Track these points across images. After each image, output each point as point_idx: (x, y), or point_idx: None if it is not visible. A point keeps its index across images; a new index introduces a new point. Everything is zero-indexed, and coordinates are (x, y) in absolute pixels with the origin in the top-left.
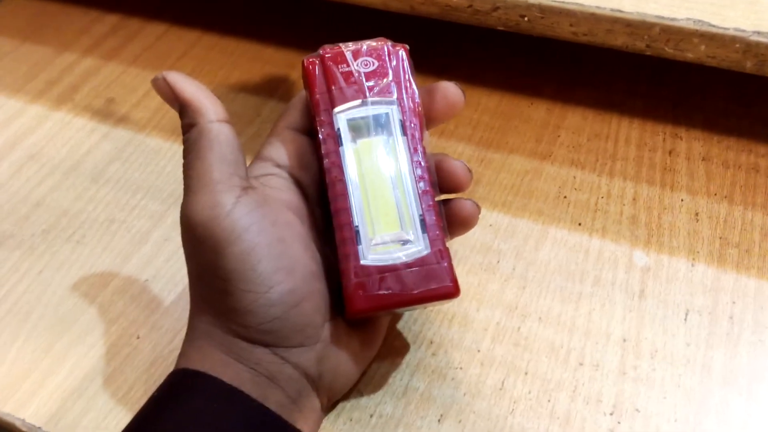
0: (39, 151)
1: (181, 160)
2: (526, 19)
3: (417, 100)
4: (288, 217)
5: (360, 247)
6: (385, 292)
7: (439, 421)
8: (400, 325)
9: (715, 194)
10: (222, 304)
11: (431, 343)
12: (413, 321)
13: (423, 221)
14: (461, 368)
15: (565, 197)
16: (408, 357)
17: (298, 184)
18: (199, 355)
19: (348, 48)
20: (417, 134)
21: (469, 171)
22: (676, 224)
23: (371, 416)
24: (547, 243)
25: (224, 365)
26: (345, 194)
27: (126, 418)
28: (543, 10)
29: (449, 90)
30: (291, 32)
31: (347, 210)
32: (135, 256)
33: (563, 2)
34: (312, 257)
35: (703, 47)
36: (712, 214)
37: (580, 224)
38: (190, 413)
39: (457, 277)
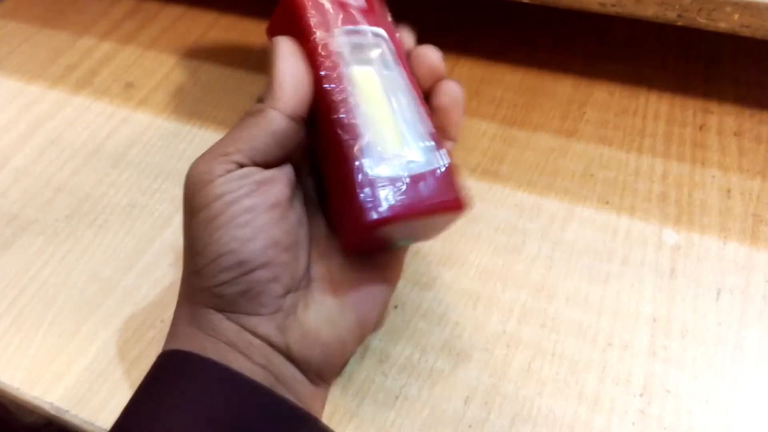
0: (60, 136)
1: (201, 144)
2: None
3: (398, 35)
4: (272, 187)
5: (368, 160)
6: (395, 203)
7: (465, 402)
8: (424, 306)
9: (748, 170)
10: (186, 266)
11: (456, 324)
12: (438, 302)
13: (425, 137)
14: (487, 350)
15: (592, 175)
16: (433, 339)
17: (293, 162)
18: (172, 333)
19: None
20: (407, 65)
21: (440, 54)
22: (708, 201)
23: (397, 398)
24: (573, 222)
25: (189, 338)
26: (352, 110)
27: None
28: None
29: (429, 54)
30: None
31: (355, 127)
32: (158, 240)
33: None
34: (286, 229)
35: (736, 16)
36: (744, 191)
37: (607, 203)
38: (167, 391)
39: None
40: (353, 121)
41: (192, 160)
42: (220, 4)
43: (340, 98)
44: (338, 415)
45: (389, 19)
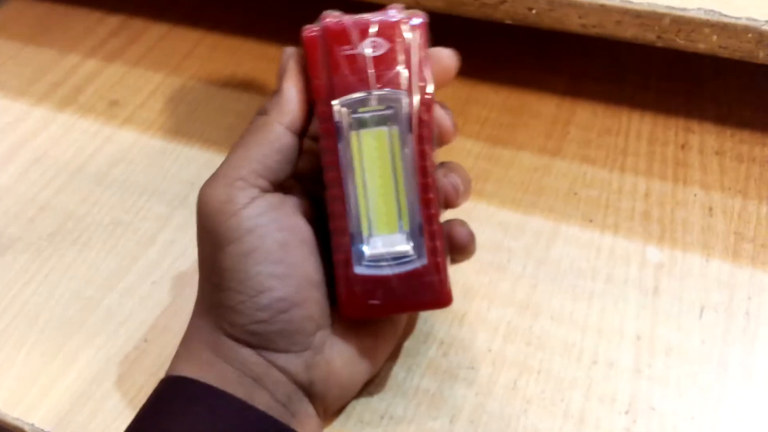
0: (44, 154)
1: (186, 162)
2: (533, 11)
3: (430, 91)
4: (299, 222)
5: (354, 254)
6: (376, 302)
7: (451, 421)
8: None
9: (729, 188)
10: (214, 298)
11: (442, 343)
12: (423, 321)
13: (422, 230)
14: (473, 368)
15: (575, 194)
16: (419, 357)
17: (313, 195)
18: (188, 355)
19: (354, 24)
20: (426, 132)
21: (453, 122)
22: (690, 219)
23: (382, 417)
24: (558, 241)
25: (210, 365)
26: (341, 197)
27: None
28: (551, 2)
29: (442, 54)
30: (295, 29)
31: (343, 215)
32: (141, 259)
33: None
34: (314, 266)
35: (714, 37)
36: (726, 209)
37: (591, 221)
38: (173, 419)
39: (451, 286)
40: (341, 207)
41: (177, 178)
42: (206, 23)
43: (332, 176)
44: None
45: (422, 59)
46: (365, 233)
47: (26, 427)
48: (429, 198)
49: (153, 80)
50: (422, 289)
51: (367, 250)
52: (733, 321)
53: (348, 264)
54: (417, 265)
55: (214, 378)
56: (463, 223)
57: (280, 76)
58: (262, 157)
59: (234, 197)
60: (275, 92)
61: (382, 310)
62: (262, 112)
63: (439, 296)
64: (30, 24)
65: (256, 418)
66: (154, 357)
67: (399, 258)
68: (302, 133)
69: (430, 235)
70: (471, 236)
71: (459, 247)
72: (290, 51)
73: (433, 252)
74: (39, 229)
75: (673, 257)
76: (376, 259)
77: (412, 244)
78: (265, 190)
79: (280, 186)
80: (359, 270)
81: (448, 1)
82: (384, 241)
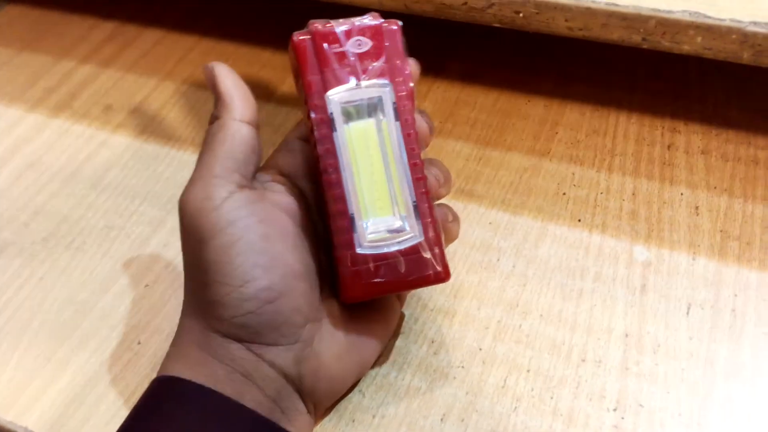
0: (38, 159)
1: (179, 166)
2: (521, 15)
3: (410, 83)
4: (280, 216)
5: (356, 235)
6: (380, 279)
7: (442, 420)
8: (400, 324)
9: (715, 187)
10: (201, 295)
11: (432, 342)
12: (414, 320)
13: (416, 208)
14: (463, 367)
15: (564, 194)
16: (410, 356)
17: (301, 193)
18: (178, 355)
19: (340, 26)
20: (410, 118)
21: (429, 125)
22: (676, 218)
23: (374, 417)
24: (546, 240)
25: (200, 363)
26: (339, 182)
27: None
28: (538, 5)
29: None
30: (287, 35)
31: (342, 198)
32: (135, 262)
33: None
34: (299, 258)
35: (699, 39)
36: (712, 208)
37: (579, 220)
38: (164, 420)
39: (448, 262)
40: (340, 193)
41: (171, 182)
42: (200, 29)
43: (329, 163)
44: None
45: (401, 56)
46: (364, 216)
47: (20, 431)
48: (419, 178)
49: (147, 85)
50: (421, 265)
51: (367, 230)
52: (720, 318)
53: (350, 245)
54: (414, 241)
55: (204, 377)
56: (442, 204)
57: (213, 86)
58: (228, 152)
59: (213, 194)
60: (216, 99)
61: (386, 288)
62: (213, 119)
63: (437, 271)
64: (24, 30)
65: (245, 416)
66: (147, 359)
67: (398, 236)
68: (256, 122)
69: (423, 212)
70: (447, 214)
71: (441, 223)
72: (210, 65)
73: (427, 228)
74: (33, 234)
75: (660, 256)
76: (377, 239)
77: (408, 222)
78: (241, 186)
79: (260, 183)
80: (361, 250)
81: (437, 5)
82: (382, 222)
